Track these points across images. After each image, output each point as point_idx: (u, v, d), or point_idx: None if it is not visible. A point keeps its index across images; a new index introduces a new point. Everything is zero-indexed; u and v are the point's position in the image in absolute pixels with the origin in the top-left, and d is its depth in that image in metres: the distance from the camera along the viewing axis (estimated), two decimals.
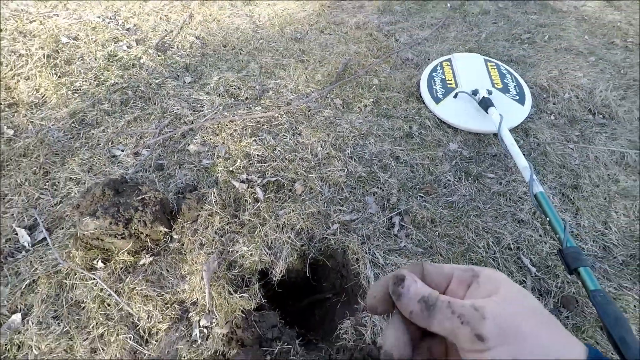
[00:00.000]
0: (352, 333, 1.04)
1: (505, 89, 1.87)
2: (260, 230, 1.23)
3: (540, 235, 1.35)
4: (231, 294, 1.06)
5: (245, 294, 1.06)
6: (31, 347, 0.99)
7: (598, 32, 2.53)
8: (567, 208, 1.46)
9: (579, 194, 1.51)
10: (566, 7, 2.80)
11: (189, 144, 1.53)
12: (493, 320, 0.23)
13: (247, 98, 1.80)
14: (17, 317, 1.05)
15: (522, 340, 0.23)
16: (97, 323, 1.04)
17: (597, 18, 2.68)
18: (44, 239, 1.21)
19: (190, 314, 1.07)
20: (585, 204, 1.47)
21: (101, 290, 1.10)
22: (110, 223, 1.09)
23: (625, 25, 2.60)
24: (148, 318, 1.06)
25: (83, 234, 1.11)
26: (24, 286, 1.10)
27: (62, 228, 1.24)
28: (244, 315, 1.01)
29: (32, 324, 1.03)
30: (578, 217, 1.43)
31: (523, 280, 1.22)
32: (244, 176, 1.40)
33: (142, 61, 1.97)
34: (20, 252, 1.19)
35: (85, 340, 1.01)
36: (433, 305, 0.26)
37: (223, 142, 1.55)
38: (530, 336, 0.23)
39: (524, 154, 1.36)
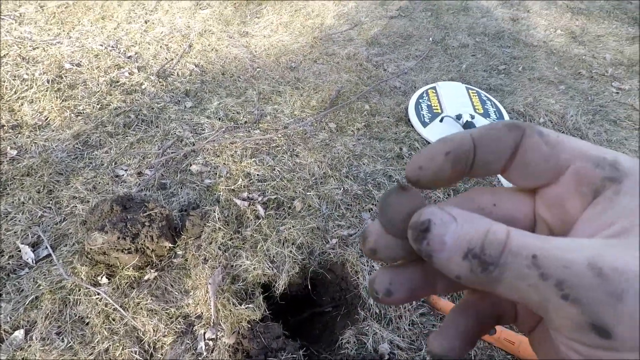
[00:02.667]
0: (354, 342, 1.08)
1: (486, 114, 2.02)
2: (262, 245, 1.28)
3: None
4: (236, 306, 1.10)
5: (250, 305, 1.10)
6: None
7: (566, 64, 2.76)
8: None
9: None
10: (536, 42, 3.05)
11: (191, 165, 1.59)
12: (635, 307, 0.12)
13: (246, 122, 1.89)
14: (19, 333, 1.05)
15: None
16: (101, 338, 1.05)
17: (564, 52, 2.93)
18: (48, 255, 1.22)
19: (195, 327, 1.09)
20: None
21: (106, 305, 1.11)
22: (118, 238, 1.13)
23: (589, 58, 2.85)
24: (153, 332, 1.07)
25: (90, 249, 1.13)
26: (27, 302, 1.11)
27: (66, 245, 1.26)
28: (249, 326, 1.04)
29: (36, 340, 1.03)
30: None
31: None
32: (245, 194, 1.46)
33: (143, 87, 2.05)
34: (24, 269, 1.20)
35: (90, 355, 1.02)
36: (494, 264, 0.14)
37: (224, 163, 1.61)
38: None
39: None
